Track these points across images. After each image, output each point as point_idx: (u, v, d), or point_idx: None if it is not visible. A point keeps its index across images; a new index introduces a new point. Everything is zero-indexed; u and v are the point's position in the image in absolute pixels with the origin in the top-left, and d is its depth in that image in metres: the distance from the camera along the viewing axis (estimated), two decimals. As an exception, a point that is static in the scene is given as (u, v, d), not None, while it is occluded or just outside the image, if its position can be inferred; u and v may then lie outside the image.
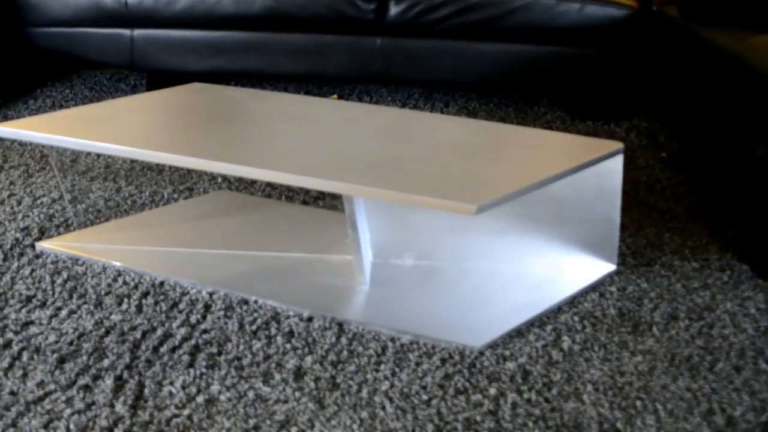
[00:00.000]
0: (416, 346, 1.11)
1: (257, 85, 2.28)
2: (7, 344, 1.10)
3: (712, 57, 1.57)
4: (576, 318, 1.19)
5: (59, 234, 1.42)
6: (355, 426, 0.95)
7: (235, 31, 2.04)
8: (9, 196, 1.59)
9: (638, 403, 1.01)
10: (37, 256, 1.34)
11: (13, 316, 1.17)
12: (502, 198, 1.03)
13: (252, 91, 1.55)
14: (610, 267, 1.30)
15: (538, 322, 1.18)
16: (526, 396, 1.01)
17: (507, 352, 1.10)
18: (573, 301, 1.23)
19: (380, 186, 1.05)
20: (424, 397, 1.01)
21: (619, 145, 1.26)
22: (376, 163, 1.15)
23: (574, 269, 1.28)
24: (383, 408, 0.98)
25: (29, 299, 1.22)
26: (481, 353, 1.09)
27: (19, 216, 1.50)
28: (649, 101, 2.03)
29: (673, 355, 1.11)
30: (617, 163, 1.24)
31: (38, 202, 1.56)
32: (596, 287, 1.27)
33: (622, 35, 1.97)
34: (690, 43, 1.70)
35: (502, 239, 1.28)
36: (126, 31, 2.07)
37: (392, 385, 1.03)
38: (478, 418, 0.97)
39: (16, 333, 1.13)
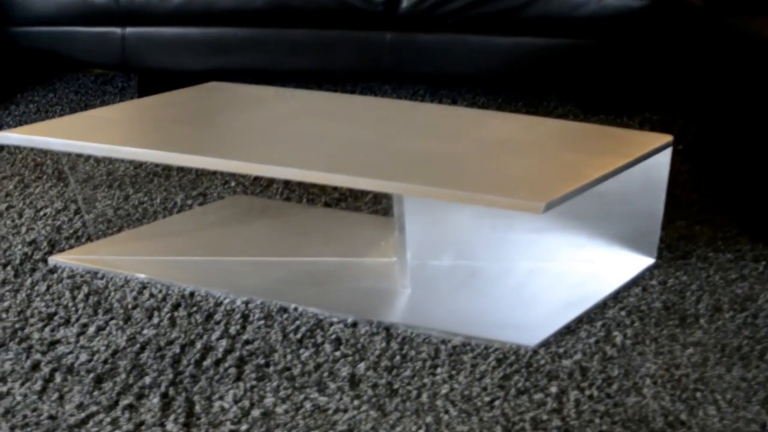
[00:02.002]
0: (469, 348, 1.13)
1: (255, 84, 2.28)
2: (36, 366, 1.09)
3: (745, 47, 1.62)
4: (623, 313, 1.23)
5: (71, 247, 1.41)
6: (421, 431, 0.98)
7: (235, 28, 2.03)
8: (8, 209, 1.57)
9: (698, 394, 1.05)
10: (52, 271, 1.32)
11: (36, 335, 1.16)
12: (569, 194, 1.05)
13: (276, 89, 1.55)
14: (649, 261, 1.34)
15: (586, 318, 1.21)
16: (587, 393, 1.05)
17: (561, 350, 1.13)
18: (617, 296, 1.27)
19: (438, 185, 1.07)
20: (486, 399, 1.03)
21: (668, 138, 1.30)
22: (426, 162, 1.17)
23: (615, 264, 1.32)
24: (447, 412, 1.01)
25: (51, 317, 1.21)
26: (535, 352, 1.12)
27: (23, 229, 1.48)
28: (661, 93, 2.09)
29: (723, 345, 1.16)
30: (666, 156, 1.28)
31: (41, 213, 1.55)
32: (638, 281, 1.31)
33: (641, 26, 2.00)
34: (719, 33, 1.74)
35: (542, 236, 1.31)
36: (117, 30, 2.05)
37: (452, 389, 1.05)
38: (545, 417, 1.00)
39: (43, 353, 1.12)
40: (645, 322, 1.21)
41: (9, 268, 1.34)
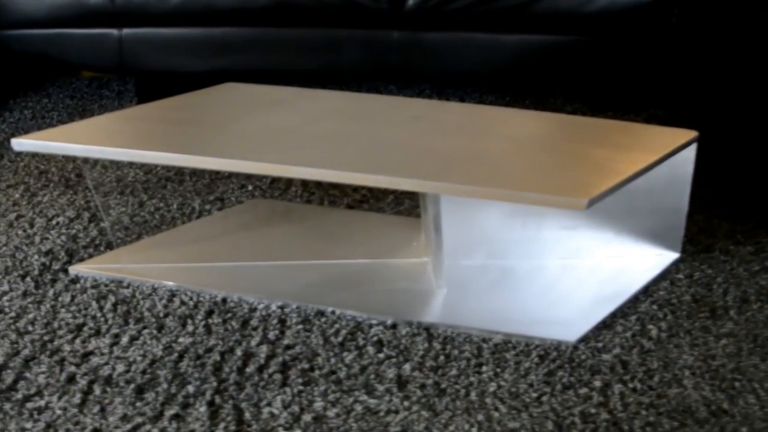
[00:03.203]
0: (510, 345, 1.17)
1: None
2: (71, 378, 1.10)
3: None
4: (655, 306, 1.28)
5: (90, 256, 1.41)
6: (474, 429, 1.00)
7: (237, 27, 2.04)
8: (17, 218, 1.57)
9: (736, 384, 1.10)
10: (74, 281, 1.33)
11: (67, 347, 1.17)
12: (609, 190, 1.09)
13: (296, 89, 1.56)
14: (674, 255, 1.39)
15: (620, 312, 1.26)
16: (630, 385, 1.09)
17: (600, 344, 1.18)
18: (647, 290, 1.32)
19: (477, 184, 1.10)
20: (534, 395, 1.07)
21: (693, 133, 1.35)
22: (459, 161, 1.20)
23: (643, 259, 1.37)
24: (496, 409, 1.04)
25: (79, 328, 1.21)
26: (576, 347, 1.17)
27: (37, 239, 1.48)
28: (666, 89, 2.14)
29: (755, 336, 1.21)
30: (691, 151, 1.33)
31: (53, 222, 1.55)
32: (665, 275, 1.36)
33: (649, 22, 2.04)
34: (738, 27, 1.80)
35: (571, 233, 1.35)
36: (113, 31, 2.05)
37: (499, 386, 1.09)
38: (592, 411, 1.04)
39: (77, 365, 1.13)
40: (677, 315, 1.26)
41: (28, 279, 1.35)
